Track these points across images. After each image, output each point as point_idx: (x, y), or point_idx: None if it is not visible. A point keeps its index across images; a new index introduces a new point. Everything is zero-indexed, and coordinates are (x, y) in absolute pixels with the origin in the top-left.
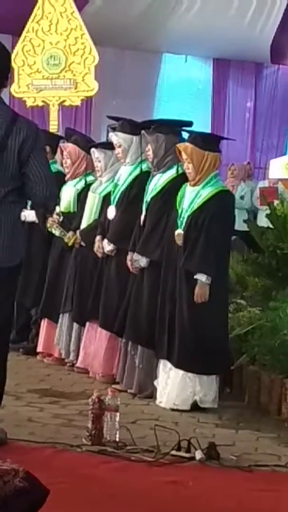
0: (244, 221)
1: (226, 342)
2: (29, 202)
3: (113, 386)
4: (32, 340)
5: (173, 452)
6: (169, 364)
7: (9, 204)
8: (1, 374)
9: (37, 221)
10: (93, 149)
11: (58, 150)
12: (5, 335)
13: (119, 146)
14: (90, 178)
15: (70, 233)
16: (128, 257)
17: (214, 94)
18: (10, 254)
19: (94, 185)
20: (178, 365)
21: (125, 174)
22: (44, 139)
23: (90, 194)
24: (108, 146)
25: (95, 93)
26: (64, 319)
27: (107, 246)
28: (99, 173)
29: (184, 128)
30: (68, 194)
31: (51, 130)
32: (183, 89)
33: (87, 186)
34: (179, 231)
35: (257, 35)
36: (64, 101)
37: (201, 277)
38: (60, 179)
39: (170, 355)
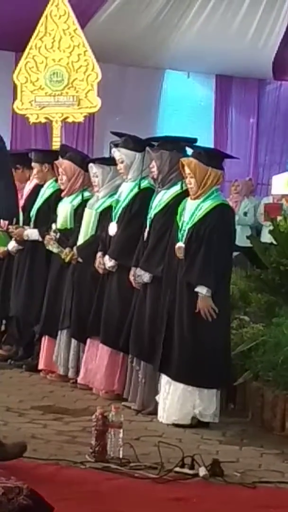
0: (247, 237)
1: (227, 357)
2: (32, 220)
3: (123, 403)
4: (36, 357)
5: (177, 469)
6: (168, 378)
7: None
8: None
9: (40, 239)
10: (91, 164)
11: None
12: None
13: (122, 162)
14: (86, 194)
15: (67, 250)
16: (131, 273)
17: (217, 110)
18: None
19: (91, 201)
20: (176, 378)
21: (127, 190)
22: (44, 157)
23: (86, 210)
24: (106, 161)
25: (98, 109)
26: (62, 335)
27: (109, 262)
28: (97, 188)
29: (188, 144)
30: (64, 210)
31: (54, 147)
32: (185, 105)
33: (83, 202)
34: (180, 244)
35: (260, 51)
36: (67, 117)
37: (202, 290)
38: (58, 196)
39: (169, 368)
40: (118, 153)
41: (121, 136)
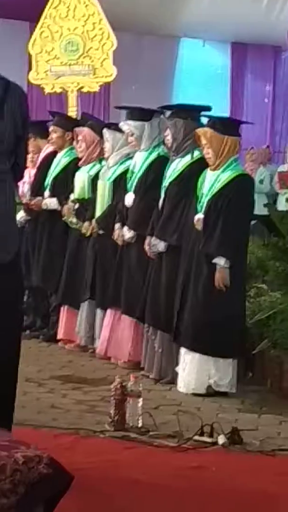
0: (265, 205)
1: (243, 327)
2: (48, 189)
3: (142, 373)
4: (53, 327)
5: (196, 437)
6: (185, 348)
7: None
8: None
9: (59, 208)
10: (105, 129)
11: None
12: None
13: (132, 135)
14: (104, 163)
15: (86, 223)
16: (146, 242)
17: (233, 78)
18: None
19: (102, 171)
20: (192, 347)
21: (141, 160)
22: (69, 124)
23: (99, 182)
24: (120, 129)
25: (113, 78)
26: (84, 307)
27: (127, 233)
28: (106, 154)
29: (202, 112)
30: (81, 180)
31: None
32: (201, 73)
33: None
34: (199, 216)
35: (275, 19)
36: (82, 87)
37: (220, 261)
38: (76, 165)
39: (185, 338)
40: (127, 126)
41: (125, 109)
